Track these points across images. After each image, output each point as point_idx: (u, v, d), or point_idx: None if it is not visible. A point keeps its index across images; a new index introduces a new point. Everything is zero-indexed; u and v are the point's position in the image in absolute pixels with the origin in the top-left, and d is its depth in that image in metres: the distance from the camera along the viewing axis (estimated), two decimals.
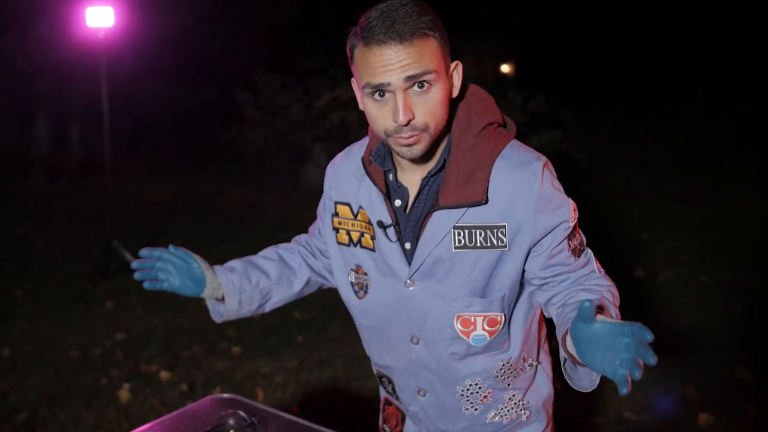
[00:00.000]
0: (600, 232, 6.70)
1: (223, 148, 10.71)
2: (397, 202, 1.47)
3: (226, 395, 1.94)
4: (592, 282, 1.48)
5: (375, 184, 1.48)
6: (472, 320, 1.46)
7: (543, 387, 1.63)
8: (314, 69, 8.94)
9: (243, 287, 1.68)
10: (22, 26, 8.47)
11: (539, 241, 1.42)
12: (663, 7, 14.00)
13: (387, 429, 1.75)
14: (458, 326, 1.47)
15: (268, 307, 1.75)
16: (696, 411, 3.39)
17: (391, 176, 1.48)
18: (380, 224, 1.47)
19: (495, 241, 1.41)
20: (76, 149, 10.14)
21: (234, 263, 1.73)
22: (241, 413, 1.73)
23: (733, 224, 6.98)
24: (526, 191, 1.38)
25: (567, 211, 1.42)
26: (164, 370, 3.94)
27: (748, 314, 4.62)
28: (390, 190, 1.49)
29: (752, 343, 4.17)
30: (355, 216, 1.53)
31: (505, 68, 13.86)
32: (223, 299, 1.68)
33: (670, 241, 6.36)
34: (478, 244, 1.41)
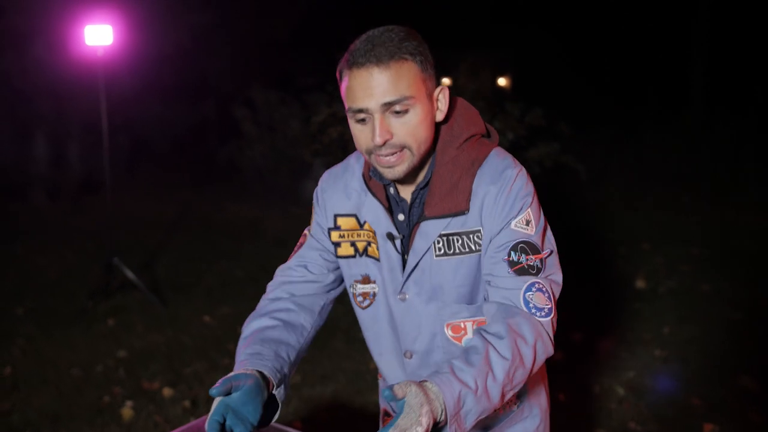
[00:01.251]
0: (601, 242, 6.71)
1: (221, 165, 10.72)
2: (401, 217, 1.51)
3: None
4: (497, 324, 1.34)
5: (377, 199, 1.51)
6: (462, 326, 1.50)
7: (536, 381, 1.64)
8: (312, 84, 8.96)
9: (285, 373, 1.46)
10: (20, 45, 8.50)
11: (489, 240, 1.43)
12: (657, 17, 14.07)
13: None
14: (449, 332, 1.51)
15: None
16: (701, 420, 3.37)
17: (392, 189, 1.52)
18: (389, 236, 1.50)
19: (473, 246, 1.45)
20: (74, 168, 10.15)
21: (262, 350, 1.45)
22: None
23: (733, 233, 6.98)
24: (494, 197, 1.42)
25: (521, 219, 1.42)
26: (167, 387, 3.92)
27: (751, 323, 4.61)
28: (392, 203, 1.53)
29: (755, 351, 4.16)
30: (362, 226, 1.55)
31: (501, 81, 13.91)
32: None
33: (670, 250, 6.36)
34: (457, 251, 1.45)
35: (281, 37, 11.17)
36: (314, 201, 1.65)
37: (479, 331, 1.35)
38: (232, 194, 9.97)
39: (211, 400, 3.75)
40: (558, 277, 1.45)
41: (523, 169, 1.46)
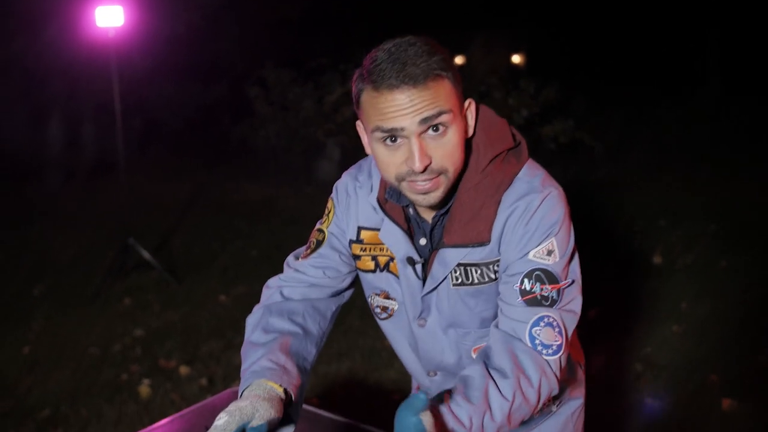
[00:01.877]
0: (617, 219, 6.67)
1: (234, 145, 10.72)
2: (422, 241, 1.41)
3: None
4: (502, 357, 1.26)
5: (395, 222, 1.41)
6: None
7: (578, 381, 1.59)
8: (324, 64, 8.93)
9: (304, 385, 1.42)
10: (32, 28, 8.51)
11: (506, 266, 1.34)
12: None
13: None
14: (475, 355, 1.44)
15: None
16: (719, 397, 3.36)
17: (411, 210, 1.42)
18: (410, 261, 1.41)
19: (492, 275, 1.36)
20: (88, 150, 10.18)
21: (281, 361, 1.35)
22: None
23: (750, 210, 6.90)
24: (514, 224, 1.31)
25: (542, 250, 1.30)
26: (183, 365, 3.95)
27: None
28: (412, 225, 1.43)
29: None
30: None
31: (516, 58, 13.80)
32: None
33: (687, 227, 6.30)
34: (475, 281, 1.37)
35: (293, 16, 11.12)
36: (334, 197, 1.52)
37: (482, 360, 1.26)
38: (246, 174, 9.97)
39: (227, 379, 3.78)
40: (575, 305, 1.33)
41: (554, 190, 1.33)
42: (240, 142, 10.34)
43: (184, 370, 3.89)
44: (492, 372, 1.23)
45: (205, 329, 4.46)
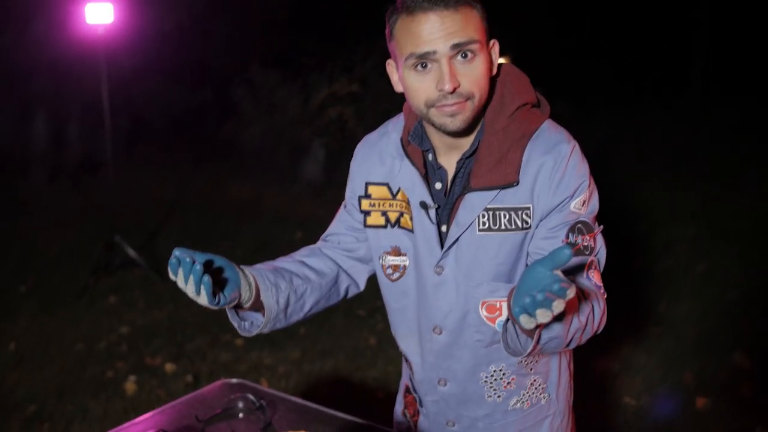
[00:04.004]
0: (598, 221, 6.75)
1: (221, 145, 10.72)
2: (438, 185, 1.45)
3: (234, 380, 1.98)
4: (583, 281, 1.39)
5: (414, 165, 1.45)
6: (498, 305, 1.44)
7: (562, 372, 1.61)
8: (311, 64, 8.96)
9: (278, 284, 1.49)
10: (21, 24, 8.48)
11: (543, 219, 1.39)
12: None
13: (407, 414, 1.73)
14: (484, 312, 1.45)
15: (302, 315, 1.59)
16: (694, 395, 3.44)
17: (430, 156, 1.46)
18: (423, 205, 1.44)
19: (519, 223, 1.39)
20: (75, 147, 10.15)
21: (257, 265, 1.53)
22: (250, 396, 1.78)
23: (730, 214, 7.01)
24: (549, 173, 1.37)
25: (579, 201, 1.38)
26: (169, 362, 3.99)
27: (746, 302, 4.66)
28: (429, 172, 1.47)
29: (749, 330, 4.22)
30: (395, 196, 1.50)
31: (501, 60, 13.89)
32: (250, 306, 1.48)
33: (667, 230, 6.41)
34: (503, 227, 1.39)
35: (280, 16, 11.14)
36: (353, 159, 1.60)
37: (588, 279, 1.39)
38: (232, 174, 9.98)
39: (212, 376, 3.82)
40: (603, 253, 1.43)
41: (577, 144, 1.42)
42: (226, 141, 10.34)
43: (169, 366, 3.93)
44: (598, 290, 1.39)
45: (190, 326, 4.50)
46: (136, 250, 5.39)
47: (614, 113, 11.49)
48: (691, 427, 3.22)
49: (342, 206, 1.65)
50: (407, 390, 1.72)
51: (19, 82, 9.10)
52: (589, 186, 1.40)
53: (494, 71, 1.40)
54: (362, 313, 4.37)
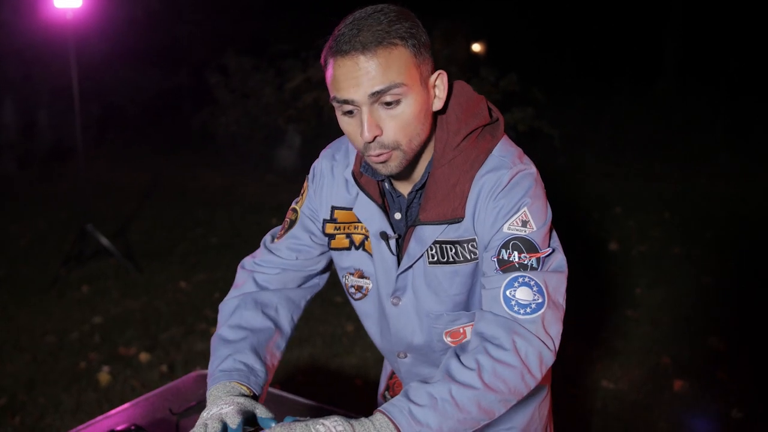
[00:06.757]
0: (574, 207, 6.78)
1: (195, 132, 10.62)
2: (397, 215, 1.39)
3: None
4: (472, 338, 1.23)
5: (370, 196, 1.38)
6: (461, 331, 1.42)
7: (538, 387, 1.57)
8: (286, 50, 8.88)
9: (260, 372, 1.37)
10: None
11: (484, 247, 1.32)
12: None
13: (388, 397, 1.71)
14: (448, 339, 1.43)
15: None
16: (671, 378, 3.46)
17: (386, 185, 1.39)
18: (383, 236, 1.38)
19: (468, 255, 1.34)
20: (44, 134, 9.99)
21: (250, 362, 1.35)
22: None
23: (703, 200, 7.09)
24: (485, 201, 1.30)
25: (516, 221, 1.27)
26: (143, 352, 3.93)
27: (720, 286, 4.71)
28: (388, 199, 1.41)
29: (723, 313, 4.26)
30: (359, 219, 1.42)
31: (476, 47, 13.86)
32: None
33: (642, 215, 6.45)
34: (450, 260, 1.34)
35: (255, 2, 11.02)
36: (310, 177, 1.50)
37: (484, 350, 1.19)
38: (206, 161, 9.90)
39: (188, 365, 3.77)
40: (559, 266, 1.30)
41: (526, 168, 1.31)
42: (200, 128, 10.24)
43: (144, 356, 3.87)
44: (458, 352, 1.21)
45: (165, 316, 4.44)
46: (109, 239, 5.30)
47: (588, 100, 11.55)
48: (668, 409, 3.24)
49: (298, 214, 1.51)
50: (391, 376, 1.72)
51: None
52: (530, 206, 1.28)
53: (439, 105, 1.29)
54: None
